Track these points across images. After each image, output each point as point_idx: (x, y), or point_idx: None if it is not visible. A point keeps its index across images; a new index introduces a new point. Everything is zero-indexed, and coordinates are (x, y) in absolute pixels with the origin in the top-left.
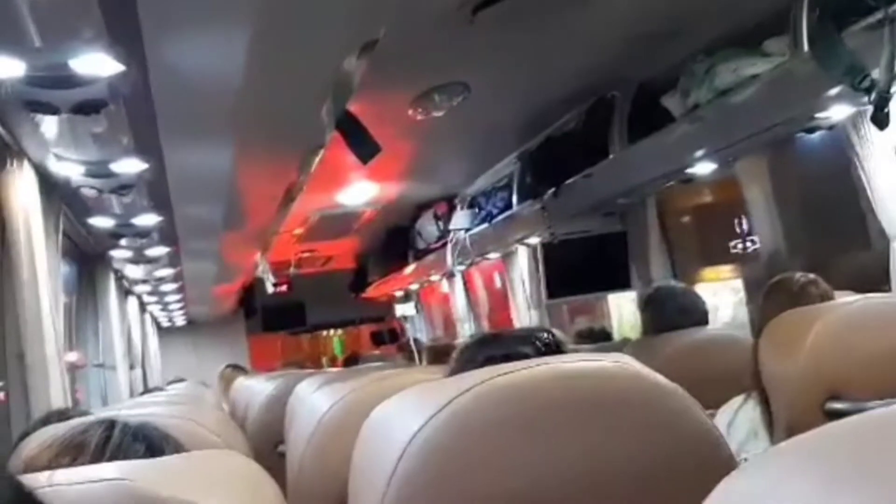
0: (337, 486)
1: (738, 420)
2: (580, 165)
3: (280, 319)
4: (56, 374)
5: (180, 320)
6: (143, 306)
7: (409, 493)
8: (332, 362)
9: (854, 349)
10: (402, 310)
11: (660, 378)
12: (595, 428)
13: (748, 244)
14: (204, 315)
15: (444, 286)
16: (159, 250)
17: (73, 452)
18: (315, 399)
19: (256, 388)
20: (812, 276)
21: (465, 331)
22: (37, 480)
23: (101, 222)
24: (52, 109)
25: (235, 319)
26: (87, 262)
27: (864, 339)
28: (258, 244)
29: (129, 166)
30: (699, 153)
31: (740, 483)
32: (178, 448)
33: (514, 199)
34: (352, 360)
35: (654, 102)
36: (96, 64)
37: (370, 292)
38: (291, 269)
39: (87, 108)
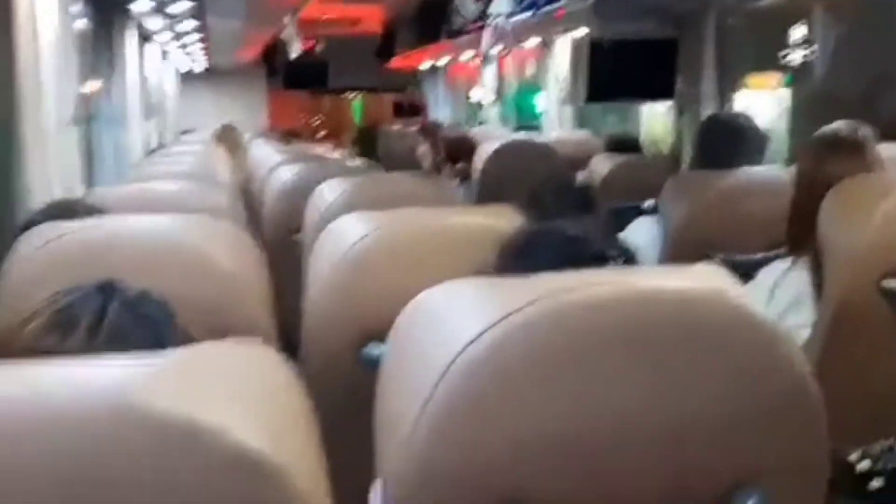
0: (357, 326)
1: (783, 284)
2: None
3: (302, 77)
4: (55, 150)
5: (201, 65)
6: (164, 53)
7: (453, 412)
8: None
9: None
10: (477, 94)
11: (760, 316)
12: (675, 364)
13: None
14: (225, 64)
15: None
16: (182, 5)
17: (61, 330)
18: (340, 229)
19: (273, 171)
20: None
21: (493, 115)
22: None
23: None
24: None
25: (257, 74)
26: (102, 10)
27: None
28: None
29: None
30: None
31: None
32: (185, 334)
33: None
34: (366, 137)
35: None
36: None
37: (396, 62)
38: (319, 29)
39: None
